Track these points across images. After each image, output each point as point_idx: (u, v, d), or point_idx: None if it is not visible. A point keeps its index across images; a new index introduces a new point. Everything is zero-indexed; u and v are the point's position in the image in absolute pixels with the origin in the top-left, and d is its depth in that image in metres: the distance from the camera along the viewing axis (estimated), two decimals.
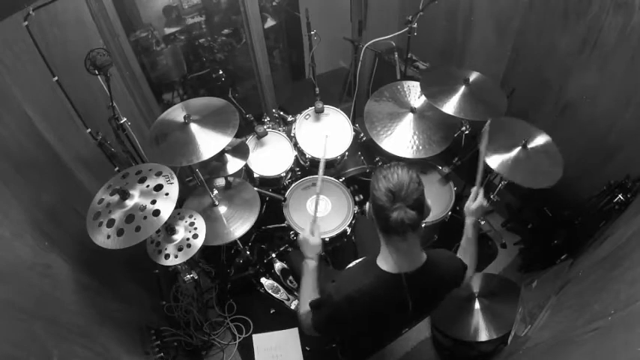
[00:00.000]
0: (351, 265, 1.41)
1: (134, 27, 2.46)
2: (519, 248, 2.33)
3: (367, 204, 1.18)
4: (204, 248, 1.69)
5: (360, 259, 1.39)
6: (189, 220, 1.66)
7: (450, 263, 1.28)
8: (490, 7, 2.15)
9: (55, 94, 1.51)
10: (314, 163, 2.15)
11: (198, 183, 1.86)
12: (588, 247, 1.70)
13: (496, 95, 1.91)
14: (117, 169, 1.70)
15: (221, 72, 2.03)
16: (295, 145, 2.14)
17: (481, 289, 1.88)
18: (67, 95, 1.51)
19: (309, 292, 1.32)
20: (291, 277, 2.16)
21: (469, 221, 1.45)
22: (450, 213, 2.01)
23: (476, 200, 1.46)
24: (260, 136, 2.08)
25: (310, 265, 1.37)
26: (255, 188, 1.96)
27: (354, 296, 1.14)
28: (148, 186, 1.42)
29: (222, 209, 1.90)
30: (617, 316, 0.83)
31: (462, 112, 1.79)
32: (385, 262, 1.16)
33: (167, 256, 1.55)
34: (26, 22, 1.34)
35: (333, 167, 2.22)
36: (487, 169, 1.56)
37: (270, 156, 2.13)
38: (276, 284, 2.14)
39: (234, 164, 1.89)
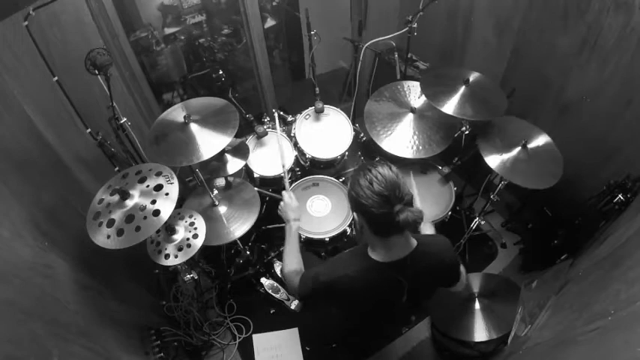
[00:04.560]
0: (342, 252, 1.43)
1: (134, 27, 2.46)
2: (519, 248, 2.33)
3: (354, 215, 1.14)
4: (204, 248, 1.69)
5: (350, 249, 1.40)
6: (189, 220, 1.66)
7: (440, 247, 1.27)
8: (490, 7, 2.15)
9: (55, 94, 1.51)
10: (314, 163, 2.15)
11: (199, 183, 1.86)
12: (588, 247, 1.70)
13: (496, 95, 1.91)
14: (117, 169, 1.70)
15: (221, 72, 2.02)
16: (295, 145, 2.14)
17: (481, 289, 1.88)
18: (67, 95, 1.51)
19: (294, 252, 1.44)
20: None
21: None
22: (449, 213, 2.01)
23: None
24: (260, 136, 2.08)
25: (294, 226, 1.50)
26: (255, 188, 1.97)
27: (344, 280, 1.16)
28: (148, 186, 1.42)
29: (223, 209, 1.90)
30: (617, 316, 0.83)
31: (462, 112, 1.79)
32: (377, 254, 1.16)
33: (167, 256, 1.55)
34: (26, 22, 1.34)
35: (333, 167, 2.22)
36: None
37: (270, 156, 2.14)
38: (276, 284, 2.14)
39: (234, 164, 1.89)
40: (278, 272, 2.18)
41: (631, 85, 1.66)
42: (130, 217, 1.33)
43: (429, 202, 2.03)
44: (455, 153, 2.12)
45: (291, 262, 1.42)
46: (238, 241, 1.93)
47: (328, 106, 2.21)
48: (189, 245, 1.58)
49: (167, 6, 2.54)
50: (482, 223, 2.17)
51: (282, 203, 1.58)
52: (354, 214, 1.14)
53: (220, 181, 2.00)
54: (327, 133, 2.16)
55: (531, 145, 1.82)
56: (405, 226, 1.01)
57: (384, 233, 1.10)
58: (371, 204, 1.02)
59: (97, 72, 1.48)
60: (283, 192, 1.62)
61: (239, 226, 1.83)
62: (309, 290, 1.26)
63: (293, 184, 2.09)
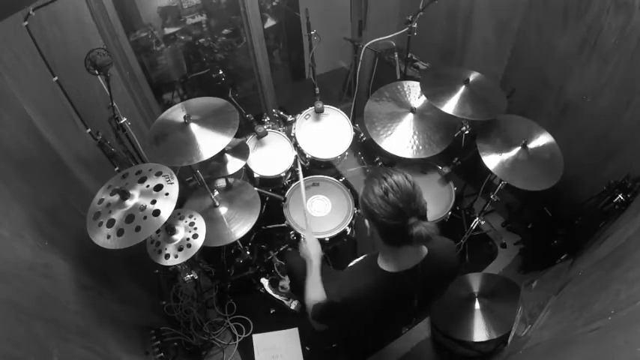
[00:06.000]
0: (351, 264, 1.42)
1: (134, 27, 2.46)
2: (519, 248, 2.33)
3: (366, 221, 1.13)
4: (204, 248, 1.69)
5: (360, 258, 1.40)
6: (189, 220, 1.66)
7: (447, 252, 1.28)
8: (490, 7, 2.15)
9: (55, 94, 1.51)
10: (314, 163, 2.15)
11: (199, 183, 1.87)
12: (588, 247, 1.70)
13: (496, 95, 1.91)
14: (117, 169, 1.70)
15: (221, 72, 2.02)
16: (295, 145, 2.14)
17: (481, 289, 1.88)
18: (67, 95, 1.51)
19: (317, 286, 1.41)
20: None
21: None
22: (449, 213, 2.01)
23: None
24: (260, 136, 2.08)
25: (315, 263, 1.49)
26: (255, 188, 1.96)
27: (355, 297, 1.15)
28: (148, 186, 1.42)
29: (223, 210, 1.90)
30: (617, 316, 0.83)
31: (462, 112, 1.79)
32: (387, 264, 1.15)
33: (167, 256, 1.55)
34: (26, 22, 1.33)
35: (333, 167, 2.22)
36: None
37: (270, 156, 2.13)
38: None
39: (234, 164, 1.89)
40: (278, 271, 2.19)
41: (631, 85, 1.66)
42: (130, 217, 1.33)
43: (429, 202, 2.02)
44: (455, 153, 2.12)
45: (315, 295, 1.39)
46: (238, 242, 1.93)
47: (328, 106, 2.21)
48: (189, 245, 1.58)
49: (167, 7, 2.54)
50: (483, 223, 2.17)
51: (303, 243, 1.59)
52: (366, 220, 1.12)
53: (221, 182, 2.00)
54: (327, 133, 2.16)
55: (532, 144, 1.82)
56: (418, 241, 0.99)
57: (396, 244, 1.08)
58: (384, 214, 0.99)
59: (97, 72, 1.48)
60: (304, 232, 1.65)
61: (240, 227, 1.83)
62: (326, 318, 1.31)
63: (293, 184, 2.09)
